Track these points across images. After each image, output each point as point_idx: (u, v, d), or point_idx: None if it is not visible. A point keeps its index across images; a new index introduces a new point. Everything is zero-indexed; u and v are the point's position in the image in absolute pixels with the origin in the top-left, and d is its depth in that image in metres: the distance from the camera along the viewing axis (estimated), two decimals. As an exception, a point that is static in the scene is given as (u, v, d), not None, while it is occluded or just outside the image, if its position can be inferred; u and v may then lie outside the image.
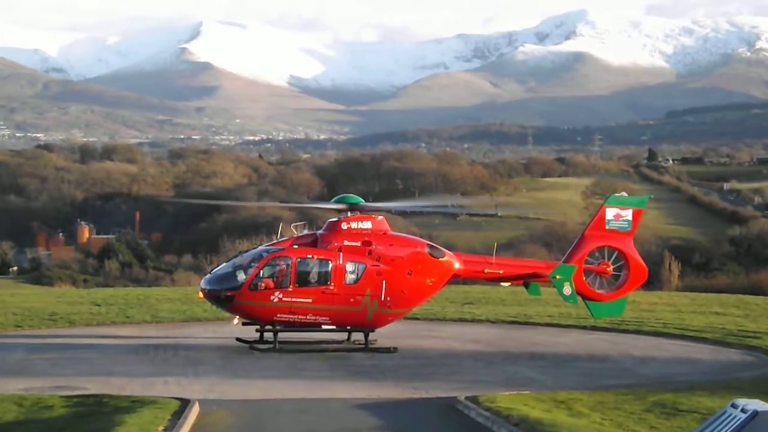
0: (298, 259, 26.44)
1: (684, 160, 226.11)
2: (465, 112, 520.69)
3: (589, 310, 29.64)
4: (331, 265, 26.47)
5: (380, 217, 27.73)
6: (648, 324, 34.37)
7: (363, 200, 28.32)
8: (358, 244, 26.77)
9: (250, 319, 27.58)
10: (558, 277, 28.15)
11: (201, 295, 27.52)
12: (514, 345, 29.80)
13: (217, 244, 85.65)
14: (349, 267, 26.63)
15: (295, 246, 26.91)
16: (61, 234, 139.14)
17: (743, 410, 16.25)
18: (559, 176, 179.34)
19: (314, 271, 26.58)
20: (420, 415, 20.07)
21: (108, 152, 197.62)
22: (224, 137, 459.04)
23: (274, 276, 26.47)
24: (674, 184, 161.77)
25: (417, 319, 34.94)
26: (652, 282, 68.41)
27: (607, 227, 28.44)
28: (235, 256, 28.31)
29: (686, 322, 35.17)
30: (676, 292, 57.80)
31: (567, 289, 27.96)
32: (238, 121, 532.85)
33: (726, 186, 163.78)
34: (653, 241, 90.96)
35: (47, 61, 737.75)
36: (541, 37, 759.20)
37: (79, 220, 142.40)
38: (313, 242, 27.10)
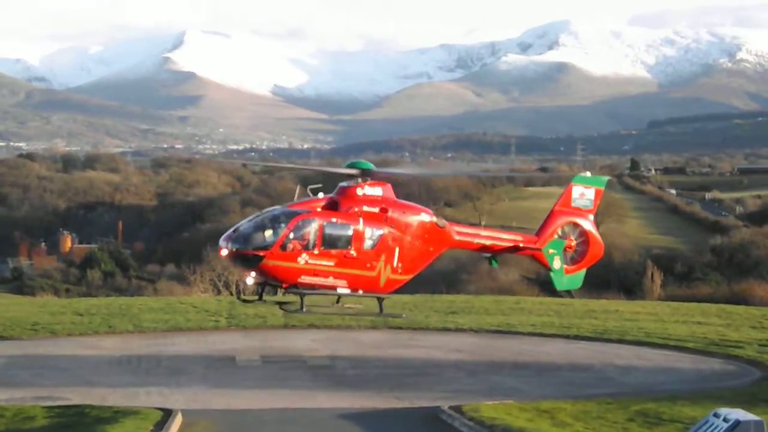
0: (325, 222, 26.40)
1: (666, 170, 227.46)
2: (448, 122, 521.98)
3: (553, 282, 30.20)
4: (352, 230, 26.53)
5: (388, 185, 27.93)
6: (630, 333, 34.49)
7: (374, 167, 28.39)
8: (376, 210, 26.94)
9: (274, 280, 27.03)
10: (551, 251, 28.98)
11: (224, 253, 26.75)
12: (497, 354, 29.85)
13: (200, 253, 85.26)
14: (368, 232, 26.71)
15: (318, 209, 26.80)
16: (43, 243, 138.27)
17: (725, 419, 16.36)
18: (542, 186, 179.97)
19: (338, 234, 26.53)
20: (403, 425, 20.07)
21: (91, 161, 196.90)
22: (208, 146, 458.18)
23: (303, 237, 26.31)
24: (656, 193, 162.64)
25: (400, 328, 34.94)
26: (635, 291, 68.75)
27: (572, 204, 29.40)
28: (256, 216, 27.62)
29: (668, 332, 35.31)
30: (659, 301, 58.04)
31: (557, 263, 29.09)
32: (221, 130, 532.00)
33: (708, 196, 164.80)
34: (635, 251, 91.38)
35: (29, 71, 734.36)
36: (524, 47, 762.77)
37: (61, 229, 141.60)
38: (331, 206, 26.97)
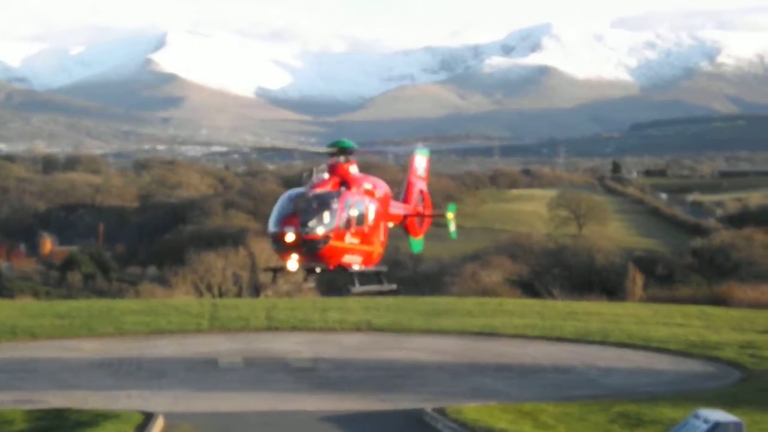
0: (356, 201, 26.56)
1: (647, 173, 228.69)
2: (432, 124, 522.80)
3: (411, 246, 30.73)
4: (366, 207, 26.78)
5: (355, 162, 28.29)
6: (612, 335, 34.63)
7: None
8: (371, 186, 27.31)
9: (328, 261, 26.60)
10: (450, 215, 30.12)
11: (290, 239, 25.75)
12: (480, 356, 29.90)
13: (182, 255, 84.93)
14: (371, 208, 27.06)
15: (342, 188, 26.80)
16: (22, 245, 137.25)
17: (705, 421, 16.47)
18: (525, 188, 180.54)
19: (362, 213, 26.78)
20: (387, 427, 20.06)
21: (72, 163, 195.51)
22: (190, 148, 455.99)
23: (347, 217, 26.33)
24: (638, 196, 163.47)
25: (384, 330, 34.94)
26: (617, 293, 69.00)
27: (416, 174, 31.11)
28: (300, 198, 26.76)
29: (650, 334, 35.47)
30: (640, 303, 58.30)
31: (453, 226, 30.19)
32: (204, 131, 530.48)
33: (689, 198, 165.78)
34: (617, 253, 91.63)
35: (10, 71, 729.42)
36: (507, 50, 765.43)
37: (41, 231, 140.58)
38: (342, 184, 26.95)
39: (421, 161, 31.26)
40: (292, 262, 25.52)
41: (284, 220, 25.39)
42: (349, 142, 28.08)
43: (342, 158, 27.29)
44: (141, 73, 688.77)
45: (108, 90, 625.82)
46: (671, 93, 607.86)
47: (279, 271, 27.19)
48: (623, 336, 34.46)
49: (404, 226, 29.87)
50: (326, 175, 26.96)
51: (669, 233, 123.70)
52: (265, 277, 54.66)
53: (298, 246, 25.30)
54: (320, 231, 25.13)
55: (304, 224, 25.04)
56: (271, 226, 25.20)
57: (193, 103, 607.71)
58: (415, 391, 24.02)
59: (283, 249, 25.92)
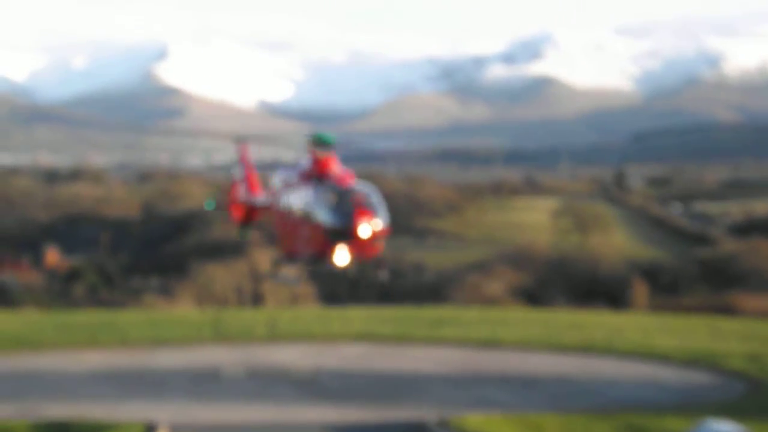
0: None
1: (651, 182, 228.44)
2: (433, 133, 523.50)
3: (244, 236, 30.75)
4: None
5: None
6: (617, 345, 34.45)
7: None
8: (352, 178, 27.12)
9: (373, 254, 26.11)
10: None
11: (368, 233, 24.72)
12: (483, 366, 29.76)
13: (184, 266, 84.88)
14: None
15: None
16: (27, 257, 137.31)
17: None
18: (527, 197, 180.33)
19: None
20: (390, 439, 19.95)
21: (75, 175, 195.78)
22: (192, 159, 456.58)
23: None
24: (641, 205, 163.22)
25: (386, 340, 34.81)
26: (621, 302, 68.82)
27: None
28: (349, 192, 25.98)
29: (655, 344, 35.28)
30: (645, 313, 58.08)
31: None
32: (205, 143, 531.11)
33: (693, 207, 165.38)
34: (621, 262, 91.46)
35: (13, 84, 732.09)
36: (509, 60, 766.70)
37: (45, 242, 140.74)
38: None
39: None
40: (345, 257, 24.84)
41: (356, 214, 24.80)
42: (331, 137, 27.59)
43: (323, 152, 26.81)
44: (143, 85, 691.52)
45: (110, 102, 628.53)
46: (674, 102, 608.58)
47: (321, 264, 26.55)
48: (628, 346, 34.28)
49: (253, 216, 28.46)
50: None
51: (674, 242, 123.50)
52: (267, 287, 54.46)
53: (367, 240, 24.67)
54: (384, 224, 24.97)
55: (377, 218, 24.88)
56: (337, 220, 23.77)
57: (195, 115, 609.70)
58: (417, 401, 23.89)
59: (349, 243, 25.13)
